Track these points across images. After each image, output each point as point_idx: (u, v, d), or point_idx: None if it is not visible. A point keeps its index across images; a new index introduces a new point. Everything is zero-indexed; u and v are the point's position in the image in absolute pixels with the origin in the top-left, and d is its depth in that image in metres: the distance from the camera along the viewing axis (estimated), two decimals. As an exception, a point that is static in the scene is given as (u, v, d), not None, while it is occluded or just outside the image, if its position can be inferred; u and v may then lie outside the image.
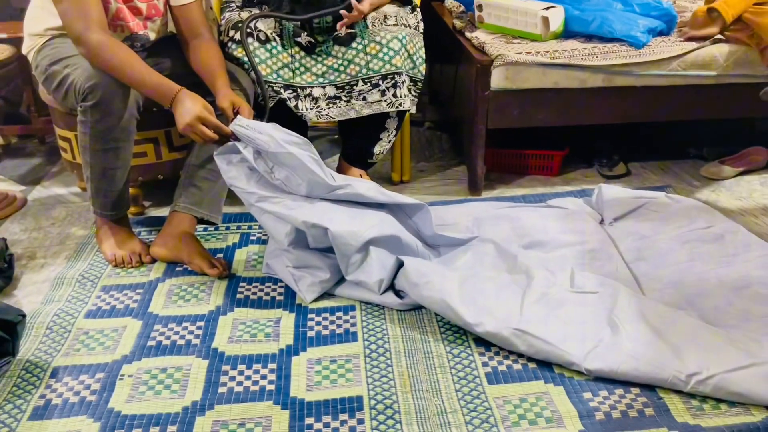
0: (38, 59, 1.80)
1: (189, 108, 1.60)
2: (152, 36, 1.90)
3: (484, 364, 1.43)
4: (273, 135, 1.61)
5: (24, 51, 1.88)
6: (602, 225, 1.92)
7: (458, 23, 2.40)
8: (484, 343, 1.49)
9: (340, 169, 2.20)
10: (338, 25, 1.96)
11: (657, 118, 2.24)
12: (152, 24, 1.89)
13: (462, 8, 2.56)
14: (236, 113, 1.70)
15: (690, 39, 2.07)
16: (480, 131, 2.12)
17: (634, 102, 2.11)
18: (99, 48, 1.60)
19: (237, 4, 2.10)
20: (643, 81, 2.06)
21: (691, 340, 1.39)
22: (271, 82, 1.92)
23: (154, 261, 1.83)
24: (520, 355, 1.45)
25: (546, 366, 1.42)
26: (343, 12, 1.93)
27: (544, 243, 1.80)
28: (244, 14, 2.00)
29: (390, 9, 2.06)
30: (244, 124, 1.62)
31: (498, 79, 2.05)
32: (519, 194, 2.22)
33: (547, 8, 2.10)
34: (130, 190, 1.92)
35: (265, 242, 1.92)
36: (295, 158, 1.60)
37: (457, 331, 1.53)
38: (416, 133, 2.73)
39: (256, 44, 1.94)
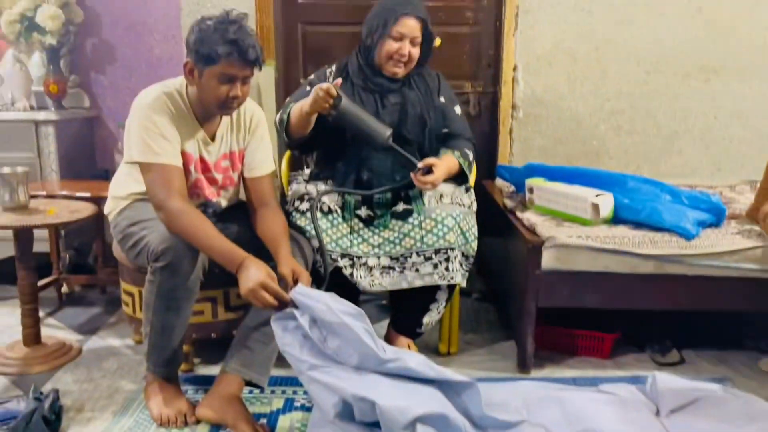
0: (118, 219, 1.96)
1: (253, 274, 1.69)
2: (224, 203, 2.06)
3: None
4: (330, 305, 1.67)
5: (106, 211, 2.06)
6: (658, 416, 1.86)
7: (509, 203, 2.52)
8: None
9: (388, 337, 2.24)
10: (416, 182, 2.05)
11: (710, 308, 2.22)
12: (225, 192, 2.06)
13: (512, 189, 2.71)
14: (296, 280, 1.78)
15: None
16: (530, 310, 2.15)
17: (686, 290, 2.12)
18: (178, 215, 1.74)
19: (304, 177, 2.28)
20: (695, 270, 2.09)
21: None
22: (330, 251, 2.02)
23: (198, 421, 1.84)
24: None
25: None
26: (416, 178, 2.04)
27: (596, 432, 1.74)
28: (310, 187, 2.16)
29: (446, 189, 2.19)
30: (304, 292, 1.70)
31: (548, 260, 2.11)
32: (569, 376, 2.19)
33: (597, 195, 2.20)
34: (183, 347, 1.98)
35: (308, 409, 1.92)
36: (349, 329, 1.65)
37: None
38: (464, 303, 2.77)
39: (319, 215, 2.07)
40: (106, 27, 3.12)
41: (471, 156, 2.24)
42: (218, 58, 1.75)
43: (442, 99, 2.26)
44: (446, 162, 2.12)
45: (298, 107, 2.07)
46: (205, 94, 1.82)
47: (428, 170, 2.04)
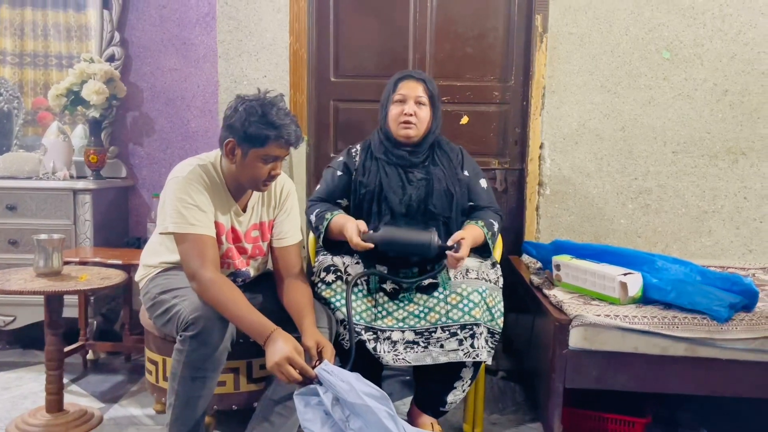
0: (149, 287, 2.00)
1: (280, 348, 1.70)
2: (253, 273, 2.10)
3: None
4: (353, 385, 1.67)
5: (137, 278, 2.11)
6: None
7: (535, 279, 2.52)
8: None
9: (411, 415, 2.20)
10: (451, 265, 2.09)
11: (745, 394, 2.15)
12: (254, 262, 2.10)
13: (539, 265, 2.71)
14: (319, 352, 1.79)
15: None
16: (557, 390, 2.10)
17: (720, 375, 2.06)
18: (210, 285, 1.78)
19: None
20: (729, 354, 2.03)
21: None
22: (353, 323, 2.03)
23: (216, 497, 1.82)
24: None
25: None
26: (449, 258, 2.07)
27: None
28: (337, 259, 2.20)
29: (472, 263, 2.20)
30: (329, 369, 1.70)
31: (576, 339, 2.08)
32: (599, 462, 2.12)
33: (625, 274, 2.19)
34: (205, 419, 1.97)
35: (328, 488, 1.88)
36: (371, 412, 1.64)
37: None
38: (490, 382, 2.73)
39: (344, 287, 2.08)
40: (147, 101, 3.28)
41: (496, 227, 2.26)
42: (266, 141, 1.82)
43: (466, 173, 2.31)
44: (471, 233, 2.15)
45: (339, 227, 2.13)
46: (246, 172, 1.89)
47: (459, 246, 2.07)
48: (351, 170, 2.31)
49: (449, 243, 2.08)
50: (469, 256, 2.17)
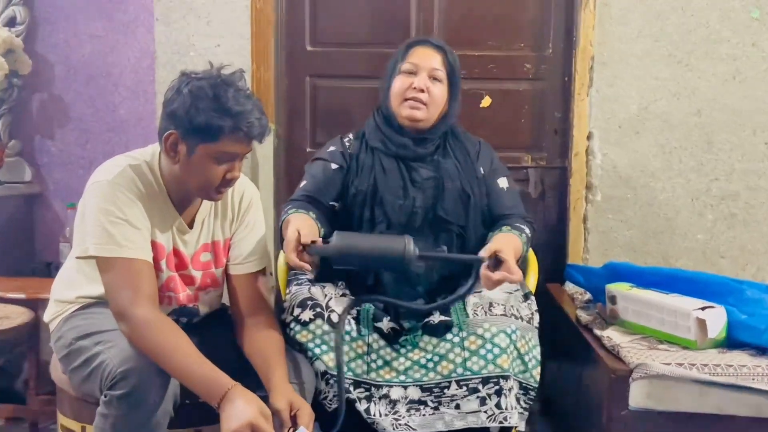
0: (63, 329, 1.99)
1: (240, 411, 1.68)
2: (203, 310, 2.10)
3: None
4: (339, 458, 1.67)
5: (46, 318, 2.10)
6: None
7: (584, 316, 2.52)
8: None
9: (418, 500, 2.20)
10: (486, 285, 2.03)
11: None
12: (205, 295, 2.10)
13: (588, 296, 2.72)
14: (293, 416, 1.79)
15: None
16: (616, 467, 2.12)
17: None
18: (145, 326, 1.77)
19: (308, 278, 2.31)
20: None
21: None
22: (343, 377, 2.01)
23: None
24: None
25: None
26: (483, 278, 2.01)
27: None
28: (316, 290, 2.19)
29: (498, 295, 2.18)
30: (307, 439, 1.71)
31: (638, 396, 2.09)
32: None
33: (704, 308, 2.20)
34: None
35: None
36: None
37: None
38: (523, 455, 2.73)
39: (326, 328, 2.06)
40: (60, 80, 3.29)
41: (528, 230, 2.25)
42: (219, 135, 1.82)
43: (481, 169, 2.34)
44: (510, 243, 2.09)
45: (285, 227, 2.08)
46: (193, 175, 1.88)
47: (495, 262, 2.00)
48: (348, 162, 2.32)
49: (483, 254, 2.03)
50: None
